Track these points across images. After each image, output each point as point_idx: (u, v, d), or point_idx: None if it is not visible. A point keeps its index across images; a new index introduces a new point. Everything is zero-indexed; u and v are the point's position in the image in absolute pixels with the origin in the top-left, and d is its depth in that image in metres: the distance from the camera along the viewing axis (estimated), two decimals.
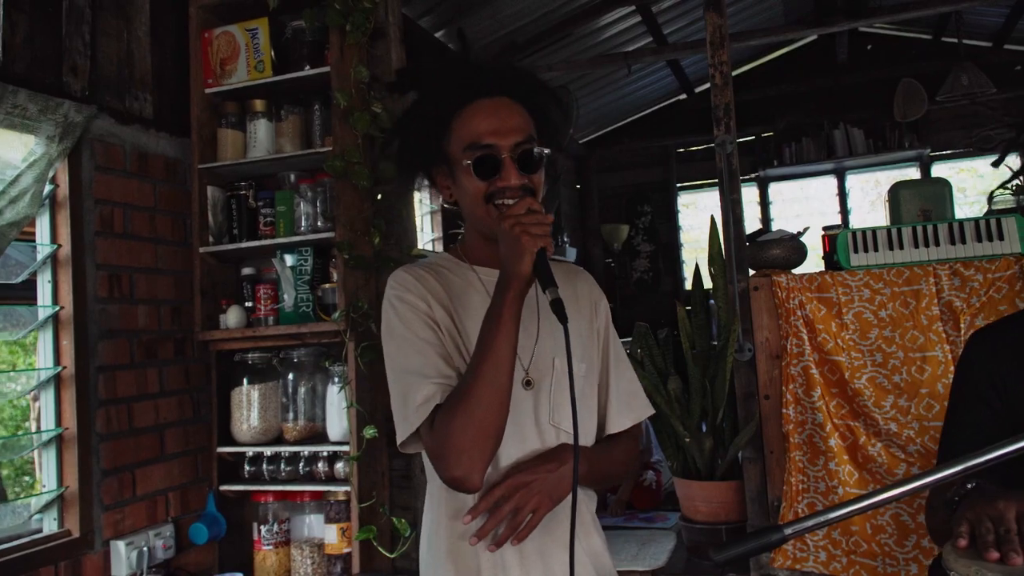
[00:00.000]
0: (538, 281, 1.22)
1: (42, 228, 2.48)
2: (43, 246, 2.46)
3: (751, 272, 2.96)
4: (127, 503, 2.56)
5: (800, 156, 7.46)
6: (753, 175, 7.66)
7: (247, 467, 2.84)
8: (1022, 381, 1.39)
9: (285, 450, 2.78)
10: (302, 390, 2.82)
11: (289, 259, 2.87)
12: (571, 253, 6.51)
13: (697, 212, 8.31)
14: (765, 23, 6.88)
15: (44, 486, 2.40)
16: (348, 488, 2.64)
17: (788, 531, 1.08)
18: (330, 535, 2.67)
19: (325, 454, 2.74)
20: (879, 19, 6.20)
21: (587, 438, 1.40)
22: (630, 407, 1.47)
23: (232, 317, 2.84)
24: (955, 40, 6.40)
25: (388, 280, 1.37)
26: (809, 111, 7.47)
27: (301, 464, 2.78)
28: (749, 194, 7.87)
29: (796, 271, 2.94)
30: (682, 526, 3.09)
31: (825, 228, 3.08)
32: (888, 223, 3.18)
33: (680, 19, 6.46)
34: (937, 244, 2.77)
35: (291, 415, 2.80)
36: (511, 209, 1.25)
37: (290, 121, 2.94)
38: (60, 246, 2.47)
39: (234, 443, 2.82)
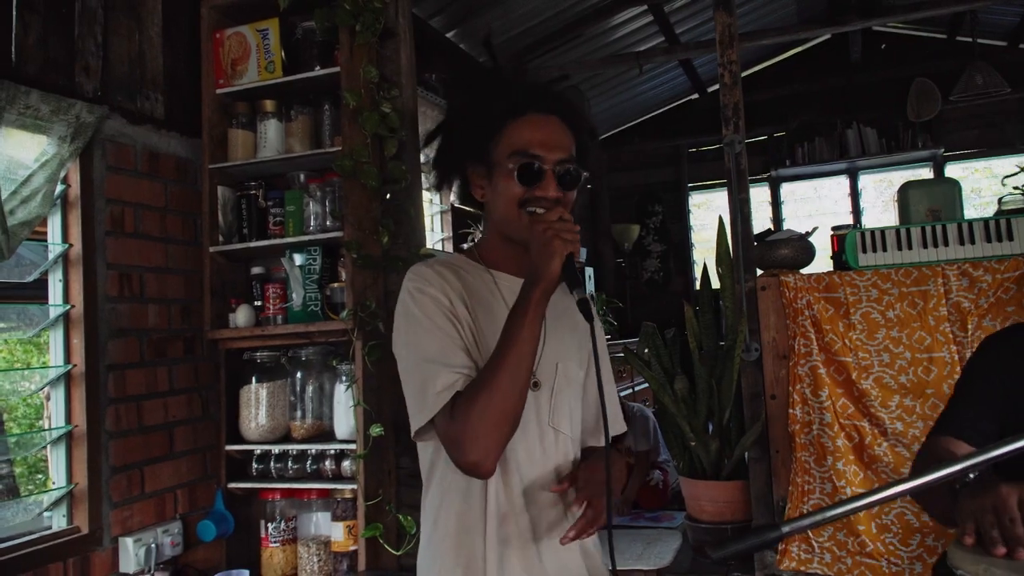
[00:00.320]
0: (566, 282, 1.27)
1: (53, 228, 2.51)
2: (54, 245, 2.49)
3: (759, 272, 2.96)
4: (136, 500, 2.58)
5: (813, 156, 7.43)
6: (765, 175, 7.63)
7: (255, 465, 2.86)
8: None
9: (293, 448, 2.79)
10: (310, 389, 2.83)
11: (298, 258, 2.89)
12: (582, 253, 6.50)
13: (709, 212, 8.30)
14: (779, 22, 6.85)
15: (54, 483, 2.43)
16: (355, 486, 2.65)
17: (785, 529, 1.09)
18: (337, 533, 2.68)
19: (332, 452, 2.76)
20: (893, 18, 6.17)
21: (578, 442, 1.47)
22: (616, 419, 1.52)
23: (241, 316, 2.86)
24: (970, 39, 6.36)
25: (407, 274, 1.40)
26: (822, 111, 7.45)
27: (308, 462, 2.80)
28: (761, 194, 7.85)
29: (804, 271, 2.94)
30: (688, 525, 3.09)
31: (834, 228, 3.07)
32: (897, 223, 3.17)
33: (692, 19, 6.45)
34: (946, 244, 2.76)
35: (299, 413, 2.82)
36: (545, 215, 1.32)
37: (300, 121, 2.96)
38: (71, 245, 2.50)
39: (242, 441, 2.84)
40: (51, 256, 2.49)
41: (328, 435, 2.81)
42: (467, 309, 1.36)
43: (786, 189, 7.90)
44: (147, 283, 2.72)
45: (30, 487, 3.40)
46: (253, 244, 2.90)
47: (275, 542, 2.75)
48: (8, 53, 2.28)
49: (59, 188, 2.45)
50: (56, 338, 2.47)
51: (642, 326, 3.22)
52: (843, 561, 2.64)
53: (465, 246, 4.40)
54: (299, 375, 2.84)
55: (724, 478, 2.94)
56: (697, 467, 3.02)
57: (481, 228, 1.53)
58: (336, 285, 2.83)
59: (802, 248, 2.95)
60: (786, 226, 7.34)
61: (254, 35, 2.95)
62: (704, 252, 8.03)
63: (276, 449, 2.81)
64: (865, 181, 7.67)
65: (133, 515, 2.57)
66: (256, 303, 2.91)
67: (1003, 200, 2.98)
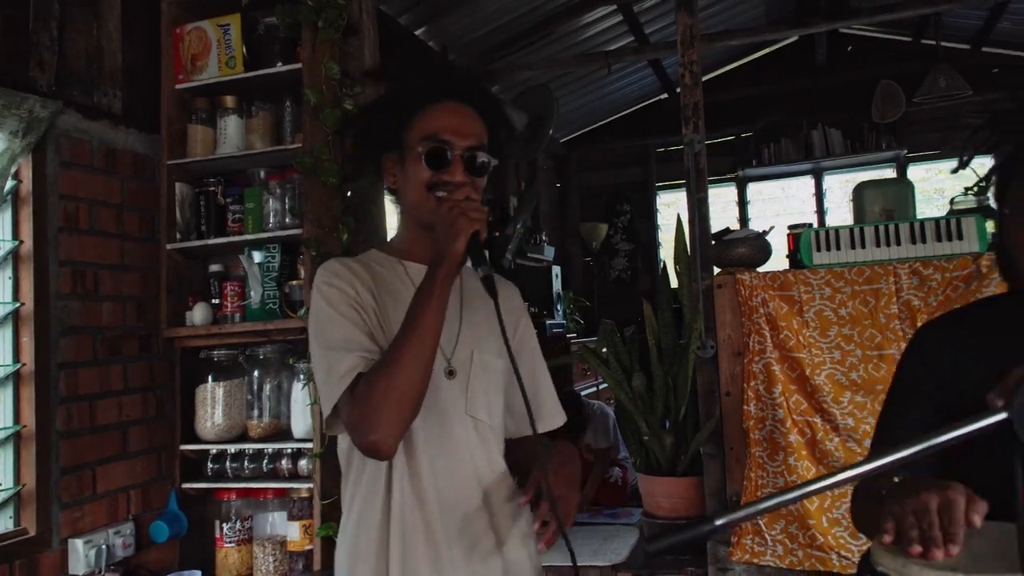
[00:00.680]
0: (471, 259, 1.28)
1: (3, 224, 2.47)
2: (4, 242, 2.45)
3: (716, 270, 2.99)
4: (87, 501, 2.55)
5: (779, 156, 7.51)
6: (732, 175, 7.70)
7: (210, 465, 2.84)
8: (966, 374, 1.40)
9: (249, 447, 2.78)
10: (267, 387, 2.82)
11: (257, 256, 2.87)
12: (550, 252, 6.52)
13: (677, 211, 8.33)
14: (749, 23, 6.91)
15: (1, 484, 2.40)
16: (311, 485, 2.64)
17: (719, 522, 1.10)
18: (293, 532, 2.67)
19: (289, 451, 2.75)
20: (859, 20, 6.24)
21: (499, 430, 1.46)
22: (554, 410, 1.54)
23: (198, 314, 2.84)
24: (934, 42, 6.46)
25: (317, 271, 1.42)
26: (789, 111, 7.52)
27: (265, 461, 2.78)
28: (729, 194, 7.92)
29: (760, 269, 2.97)
30: (644, 521, 3.11)
31: (790, 227, 3.11)
32: (852, 222, 3.22)
33: (661, 19, 6.48)
34: (899, 243, 2.80)
35: (256, 412, 2.80)
36: (451, 195, 1.33)
37: (261, 117, 2.94)
38: (22, 242, 2.46)
39: (198, 440, 2.82)
40: (0, 253, 2.45)
41: (285, 434, 2.80)
42: (375, 299, 1.37)
43: (754, 189, 7.98)
44: (102, 280, 2.69)
45: None
46: (211, 241, 2.88)
47: (230, 542, 2.73)
48: None
49: (10, 184, 2.41)
50: (4, 336, 2.44)
51: (601, 324, 3.24)
52: (794, 553, 2.68)
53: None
54: (257, 374, 2.83)
55: (680, 474, 2.97)
56: (654, 464, 3.04)
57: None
58: (295, 283, 2.82)
59: (759, 247, 2.98)
60: (753, 225, 7.44)
61: (215, 30, 2.93)
62: (671, 251, 8.08)
63: (232, 448, 2.80)
64: (831, 181, 7.76)
65: (84, 516, 2.54)
66: (214, 301, 2.89)
67: (954, 200, 3.04)
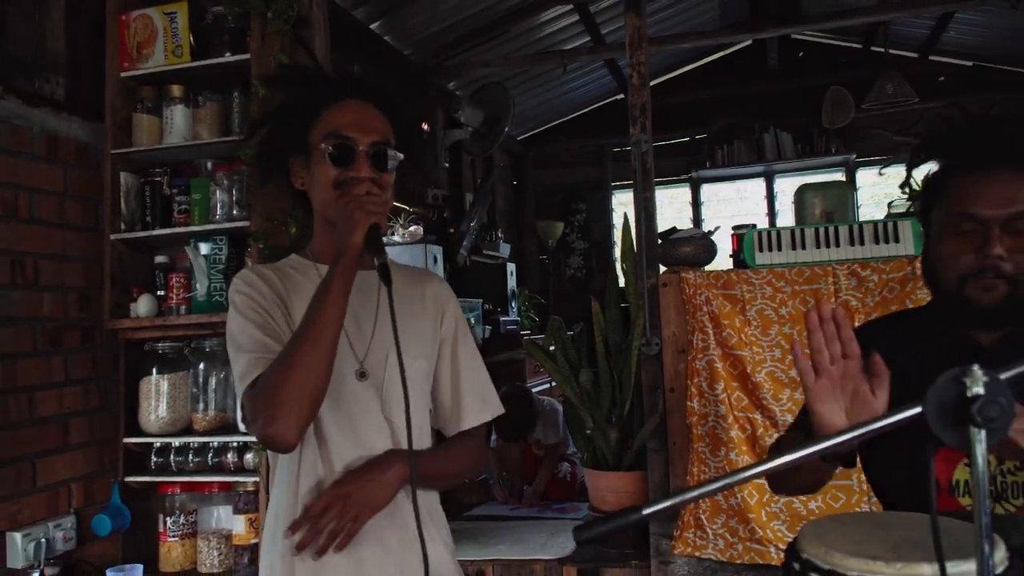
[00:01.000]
0: (367, 250, 1.28)
1: None
2: None
3: (662, 269, 3.04)
4: (26, 494, 2.51)
5: (732, 158, 7.65)
6: (687, 176, 7.81)
7: (154, 458, 2.80)
8: (898, 373, 1.45)
9: (194, 441, 2.75)
10: (213, 380, 2.79)
11: (203, 248, 2.84)
12: (505, 249, 6.55)
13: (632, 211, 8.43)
14: (703, 26, 7.01)
15: None
16: (257, 479, 2.63)
17: (645, 511, 1.13)
18: (238, 526, 2.66)
19: (235, 444, 2.73)
20: (810, 26, 6.38)
21: (421, 434, 1.45)
22: (482, 405, 1.53)
23: (143, 306, 2.80)
24: (883, 50, 6.63)
25: (232, 281, 1.45)
26: (742, 115, 7.65)
27: (210, 455, 2.76)
28: (683, 194, 8.03)
29: (706, 268, 3.03)
30: (590, 516, 3.15)
31: (734, 227, 3.17)
32: (794, 224, 3.30)
33: (618, 20, 6.52)
34: (838, 245, 2.88)
35: (201, 405, 2.78)
36: (351, 189, 1.34)
37: (208, 108, 2.91)
38: None
39: (142, 434, 2.78)
40: None
41: (231, 427, 2.78)
42: (284, 301, 1.39)
43: (710, 190, 8.10)
44: (42, 270, 2.64)
45: None
46: (157, 232, 2.85)
47: (174, 536, 2.71)
48: None
49: None
50: None
51: (549, 320, 3.28)
52: (735, 547, 2.74)
53: None
54: (202, 366, 2.80)
55: (625, 469, 3.02)
56: (600, 459, 3.09)
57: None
58: None
59: (704, 246, 3.04)
60: (707, 226, 7.55)
61: (161, 18, 2.89)
62: None
63: (177, 442, 2.77)
64: (782, 184, 7.92)
65: (22, 509, 2.49)
66: (159, 292, 2.85)
67: (892, 204, 3.13)
